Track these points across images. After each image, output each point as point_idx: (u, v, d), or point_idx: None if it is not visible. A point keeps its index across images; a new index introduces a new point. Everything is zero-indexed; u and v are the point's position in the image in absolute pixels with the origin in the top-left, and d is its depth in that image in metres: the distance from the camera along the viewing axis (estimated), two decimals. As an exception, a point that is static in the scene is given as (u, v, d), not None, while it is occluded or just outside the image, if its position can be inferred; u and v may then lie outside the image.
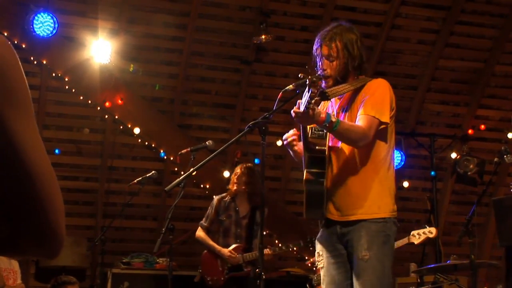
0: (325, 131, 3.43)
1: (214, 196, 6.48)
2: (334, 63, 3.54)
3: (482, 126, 9.14)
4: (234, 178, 6.22)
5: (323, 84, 3.57)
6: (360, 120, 3.42)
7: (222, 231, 6.17)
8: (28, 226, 0.93)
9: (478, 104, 9.13)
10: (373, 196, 3.45)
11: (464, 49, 8.90)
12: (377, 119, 3.41)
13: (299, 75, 3.31)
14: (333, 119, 3.29)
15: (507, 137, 8.98)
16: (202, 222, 6.24)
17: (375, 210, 3.44)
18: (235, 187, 6.18)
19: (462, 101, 9.18)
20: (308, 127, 3.47)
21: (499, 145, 7.86)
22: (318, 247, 3.63)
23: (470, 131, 9.03)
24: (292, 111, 3.28)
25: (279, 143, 8.64)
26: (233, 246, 6.06)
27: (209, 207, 6.28)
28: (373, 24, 8.53)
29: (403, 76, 8.95)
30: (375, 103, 3.44)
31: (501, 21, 8.77)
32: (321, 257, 3.60)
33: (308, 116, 3.20)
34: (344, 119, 3.50)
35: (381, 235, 3.43)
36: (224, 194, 6.29)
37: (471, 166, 8.54)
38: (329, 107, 3.65)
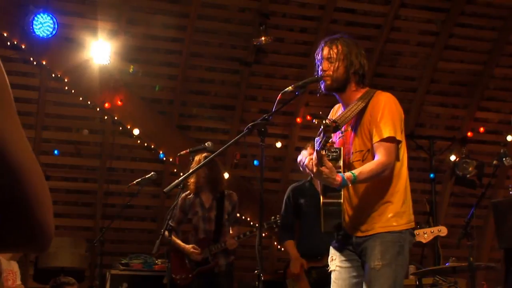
0: (339, 152, 3.42)
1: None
2: (334, 65, 3.54)
3: (481, 129, 9.14)
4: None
5: (322, 85, 3.57)
6: (378, 150, 3.40)
7: (193, 229, 6.07)
8: (15, 222, 0.93)
9: (477, 107, 9.13)
10: (391, 212, 3.46)
11: (463, 51, 8.91)
12: (394, 137, 3.41)
13: (314, 121, 3.32)
14: (349, 178, 3.28)
15: (506, 139, 8.98)
16: (169, 222, 6.08)
17: (393, 223, 3.46)
18: (193, 180, 5.98)
19: (461, 104, 9.18)
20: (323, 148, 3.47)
21: (498, 148, 7.88)
22: (332, 252, 3.64)
23: (469, 134, 9.03)
24: (304, 165, 3.29)
25: (278, 144, 8.65)
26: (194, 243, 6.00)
27: (175, 207, 6.11)
28: (372, 26, 8.53)
29: (402, 78, 8.96)
30: (387, 123, 3.42)
31: (500, 23, 8.78)
32: (333, 261, 3.61)
33: (321, 174, 3.21)
34: (354, 139, 3.51)
35: (396, 245, 3.44)
36: (187, 192, 6.09)
37: (470, 169, 8.55)
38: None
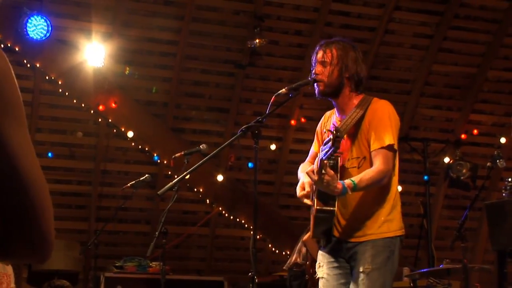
0: (336, 159, 3.42)
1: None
2: (327, 69, 3.52)
3: (475, 131, 9.16)
4: None
5: (316, 89, 3.57)
6: (376, 158, 3.40)
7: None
8: (20, 232, 0.95)
9: (471, 109, 9.15)
10: (383, 219, 3.47)
11: (457, 54, 8.93)
12: (393, 145, 3.41)
13: (324, 131, 3.40)
14: (349, 185, 3.27)
15: (500, 142, 9.01)
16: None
17: (385, 230, 3.47)
18: None
19: (455, 106, 9.20)
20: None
21: (492, 150, 7.89)
22: (320, 258, 3.63)
23: (463, 136, 9.05)
24: (307, 172, 3.31)
25: (272, 147, 8.65)
26: None
27: None
28: (366, 28, 8.55)
29: (397, 80, 8.97)
30: (388, 131, 3.42)
31: (494, 26, 8.80)
32: (321, 268, 3.60)
33: (322, 182, 3.20)
34: (351, 146, 3.50)
35: (386, 250, 3.45)
36: None
37: (464, 171, 8.56)
38: (331, 127, 3.57)
